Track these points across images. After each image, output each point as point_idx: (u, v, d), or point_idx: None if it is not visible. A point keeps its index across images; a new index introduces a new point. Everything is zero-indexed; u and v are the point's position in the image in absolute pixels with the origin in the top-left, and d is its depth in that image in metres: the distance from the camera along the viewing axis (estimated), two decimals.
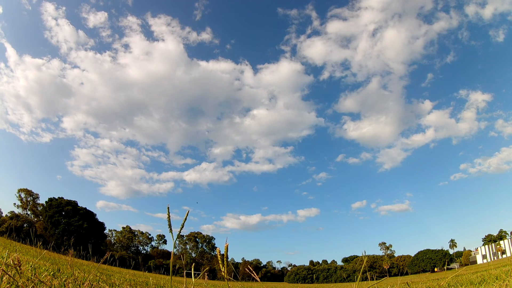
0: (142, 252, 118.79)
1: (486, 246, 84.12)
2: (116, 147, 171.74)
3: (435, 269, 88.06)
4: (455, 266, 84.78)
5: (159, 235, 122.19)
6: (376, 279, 66.47)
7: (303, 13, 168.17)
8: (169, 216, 2.22)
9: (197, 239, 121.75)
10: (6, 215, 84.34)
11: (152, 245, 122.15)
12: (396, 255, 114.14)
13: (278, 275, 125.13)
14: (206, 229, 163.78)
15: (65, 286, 3.56)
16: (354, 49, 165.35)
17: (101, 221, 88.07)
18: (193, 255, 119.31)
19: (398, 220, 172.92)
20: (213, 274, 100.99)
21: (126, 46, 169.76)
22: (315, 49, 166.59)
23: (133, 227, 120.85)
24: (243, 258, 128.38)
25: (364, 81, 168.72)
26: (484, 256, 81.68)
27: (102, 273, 9.46)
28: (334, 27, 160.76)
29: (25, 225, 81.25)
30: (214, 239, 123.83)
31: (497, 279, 6.19)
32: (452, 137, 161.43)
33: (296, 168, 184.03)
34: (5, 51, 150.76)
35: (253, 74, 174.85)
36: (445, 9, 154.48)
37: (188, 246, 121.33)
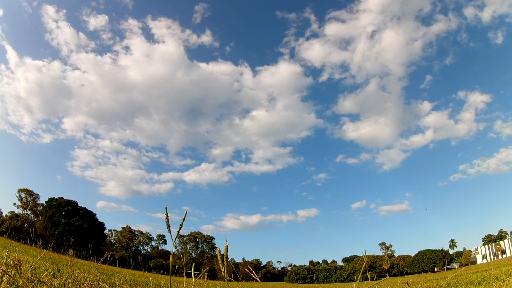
0: (142, 252, 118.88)
1: (486, 246, 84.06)
2: (116, 148, 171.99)
3: (435, 269, 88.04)
4: (455, 266, 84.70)
5: (159, 235, 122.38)
6: (376, 279, 66.48)
7: (301, 16, 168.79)
8: (167, 216, 2.23)
9: (197, 239, 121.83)
10: (6, 215, 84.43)
11: (152, 245, 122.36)
12: (396, 255, 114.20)
13: (278, 275, 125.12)
14: (206, 229, 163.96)
15: (65, 286, 3.56)
16: (353, 51, 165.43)
17: (101, 221, 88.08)
18: (193, 255, 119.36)
19: (397, 220, 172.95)
20: (213, 274, 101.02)
21: (127, 48, 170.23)
22: (314, 51, 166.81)
23: (133, 227, 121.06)
24: (243, 258, 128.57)
25: (363, 82, 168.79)
26: (484, 256, 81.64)
27: (102, 273, 9.46)
28: (332, 29, 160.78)
29: (25, 225, 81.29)
30: (214, 239, 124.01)
31: (497, 279, 6.19)
32: (451, 138, 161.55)
33: (296, 168, 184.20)
34: (6, 53, 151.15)
35: (252, 76, 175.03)
36: (444, 12, 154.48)
37: (188, 246, 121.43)
